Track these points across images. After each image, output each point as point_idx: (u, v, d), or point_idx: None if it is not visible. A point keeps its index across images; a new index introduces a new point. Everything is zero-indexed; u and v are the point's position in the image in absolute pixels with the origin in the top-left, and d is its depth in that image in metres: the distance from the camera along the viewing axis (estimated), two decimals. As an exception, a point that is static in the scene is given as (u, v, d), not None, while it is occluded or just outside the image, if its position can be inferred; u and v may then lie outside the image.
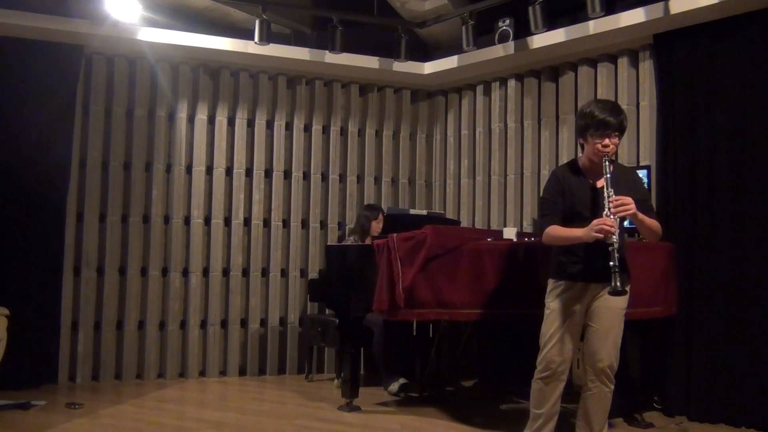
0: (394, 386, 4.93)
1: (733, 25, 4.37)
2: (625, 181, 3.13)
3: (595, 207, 3.08)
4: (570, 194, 3.15)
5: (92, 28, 5.08)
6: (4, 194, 5.03)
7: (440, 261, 3.90)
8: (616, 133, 3.09)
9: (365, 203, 6.03)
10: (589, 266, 3.11)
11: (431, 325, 5.46)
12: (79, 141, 5.46)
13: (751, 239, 4.21)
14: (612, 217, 2.93)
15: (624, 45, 5.03)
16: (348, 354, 4.60)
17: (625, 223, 3.22)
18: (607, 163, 3.04)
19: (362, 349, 4.90)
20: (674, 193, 4.59)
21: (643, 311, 4.10)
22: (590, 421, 3.20)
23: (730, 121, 4.37)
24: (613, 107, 3.15)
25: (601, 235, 2.92)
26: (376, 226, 5.42)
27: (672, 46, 4.68)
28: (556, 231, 3.14)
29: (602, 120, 3.05)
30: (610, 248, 2.90)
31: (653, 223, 3.12)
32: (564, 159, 5.42)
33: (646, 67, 4.93)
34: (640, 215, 3.03)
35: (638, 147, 5.00)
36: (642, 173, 4.55)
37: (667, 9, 4.47)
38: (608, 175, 3.01)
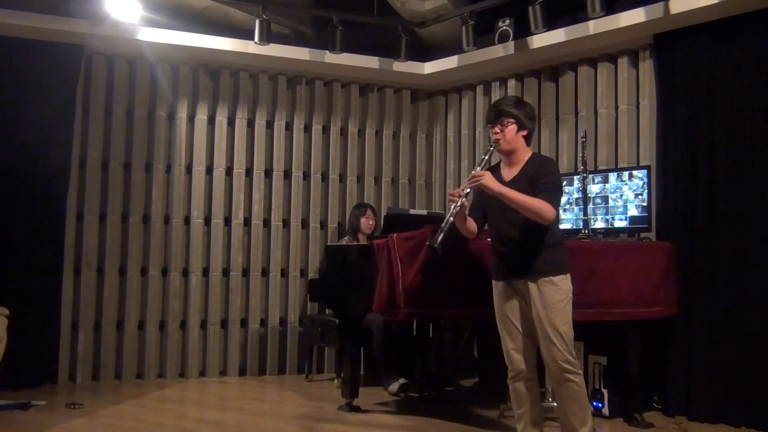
0: (394, 386, 4.93)
1: (733, 25, 4.37)
2: (532, 171, 3.17)
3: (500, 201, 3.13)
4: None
5: (92, 28, 5.08)
6: (4, 194, 5.03)
7: (440, 261, 3.89)
8: (507, 120, 3.20)
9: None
10: (503, 265, 3.23)
11: (431, 325, 5.47)
12: (79, 141, 5.46)
13: (751, 239, 4.21)
14: (463, 189, 3.09)
15: (624, 45, 5.02)
16: (348, 354, 4.59)
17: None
18: (490, 148, 3.21)
19: (362, 349, 4.90)
20: (674, 193, 4.59)
21: (643, 311, 4.11)
22: (570, 421, 3.14)
23: (730, 121, 4.37)
24: (511, 98, 3.42)
25: (451, 203, 3.06)
26: (366, 222, 5.45)
27: (672, 46, 4.68)
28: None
29: (491, 109, 3.31)
30: (451, 210, 3.05)
31: (527, 199, 3.04)
32: (564, 159, 5.42)
33: (646, 67, 4.93)
34: (500, 189, 3.04)
35: (638, 147, 4.99)
36: (642, 173, 4.55)
37: (667, 9, 4.47)
38: (485, 157, 3.19)
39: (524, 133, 3.23)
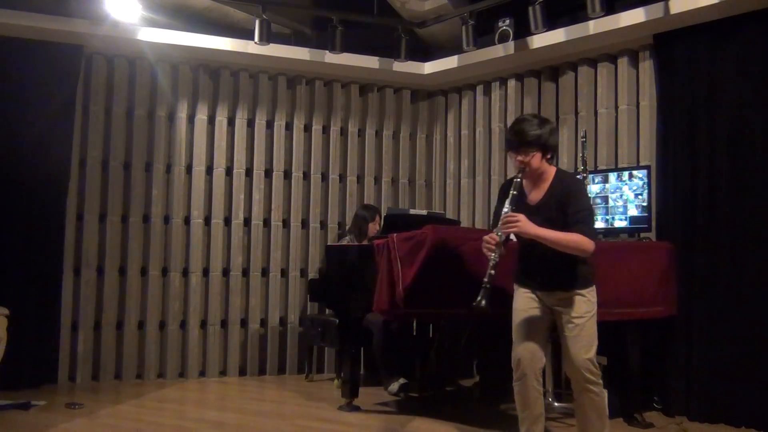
0: (394, 386, 4.92)
1: (733, 25, 4.37)
2: (559, 192, 3.10)
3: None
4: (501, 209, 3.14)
5: (92, 28, 5.07)
6: (4, 194, 5.03)
7: (440, 261, 3.89)
8: (530, 150, 3.07)
9: (363, 203, 6.03)
10: (533, 276, 3.18)
11: (431, 325, 5.47)
12: (79, 141, 5.46)
13: (751, 239, 4.21)
14: (499, 234, 2.97)
15: (624, 45, 5.03)
16: (348, 354, 4.59)
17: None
18: (517, 180, 3.08)
19: (362, 349, 4.90)
20: (674, 193, 4.59)
21: (643, 311, 4.11)
22: (585, 428, 3.18)
23: (730, 121, 4.37)
24: (530, 122, 3.14)
25: (489, 253, 2.96)
26: (373, 228, 5.43)
27: (672, 46, 4.68)
28: None
29: (511, 136, 3.13)
30: (490, 263, 2.94)
31: (565, 237, 2.99)
32: (564, 159, 5.42)
33: (646, 67, 4.93)
34: (537, 231, 2.97)
35: (638, 147, 4.99)
36: (642, 173, 4.56)
37: (667, 9, 4.47)
38: (513, 192, 3.05)
39: (548, 156, 3.16)
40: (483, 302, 2.92)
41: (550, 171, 3.18)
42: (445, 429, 4.16)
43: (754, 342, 4.14)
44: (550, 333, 3.26)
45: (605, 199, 4.67)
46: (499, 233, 2.99)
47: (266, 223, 5.99)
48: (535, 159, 3.09)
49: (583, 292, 3.12)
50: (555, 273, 3.12)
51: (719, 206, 4.37)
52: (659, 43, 4.76)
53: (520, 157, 3.09)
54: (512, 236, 3.03)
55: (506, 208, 3.02)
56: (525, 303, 3.20)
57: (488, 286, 2.93)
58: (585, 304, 3.12)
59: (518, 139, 3.09)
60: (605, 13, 4.56)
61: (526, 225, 2.98)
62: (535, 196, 3.16)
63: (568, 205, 3.05)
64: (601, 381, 3.14)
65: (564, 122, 5.48)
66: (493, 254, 2.96)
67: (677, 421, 4.35)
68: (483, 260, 3.88)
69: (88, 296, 5.42)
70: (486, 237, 3.01)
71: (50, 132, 5.21)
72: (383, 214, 5.57)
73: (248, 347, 5.85)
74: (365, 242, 5.35)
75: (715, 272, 4.34)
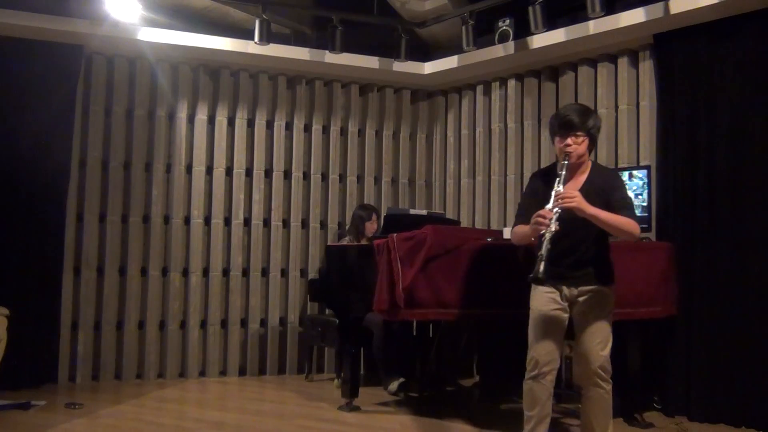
0: (394, 386, 4.92)
1: (733, 25, 4.37)
2: (599, 183, 3.12)
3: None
4: (543, 195, 3.13)
5: (92, 28, 5.08)
6: (4, 194, 5.03)
7: (440, 261, 3.90)
8: (580, 134, 3.09)
9: (363, 203, 6.04)
10: (560, 272, 3.12)
11: (431, 325, 5.47)
12: (79, 141, 5.46)
13: (751, 239, 4.21)
14: (553, 209, 2.96)
15: (624, 45, 5.03)
16: (348, 354, 4.59)
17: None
18: (565, 162, 3.07)
19: (362, 349, 4.90)
20: (674, 193, 4.59)
21: (643, 311, 4.11)
22: (591, 426, 3.19)
23: (730, 121, 4.37)
24: (580, 108, 3.19)
25: (542, 228, 2.94)
26: (370, 227, 5.43)
27: (672, 46, 4.68)
28: (516, 229, 3.25)
29: (564, 119, 3.12)
30: (542, 238, 2.93)
31: (618, 219, 3.02)
32: (564, 159, 5.42)
33: (646, 67, 4.93)
34: (593, 210, 2.97)
35: (638, 147, 5.00)
36: (642, 173, 4.56)
37: (667, 9, 4.47)
38: (562, 172, 3.05)
39: (592, 146, 3.20)
40: (540, 275, 2.89)
41: (588, 163, 3.21)
42: (445, 429, 4.17)
43: (754, 342, 4.14)
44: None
45: (605, 199, 4.67)
46: (555, 209, 2.96)
47: (266, 223, 5.99)
48: (583, 145, 3.12)
49: (607, 289, 3.15)
50: (584, 266, 3.12)
51: (719, 206, 4.37)
52: (659, 43, 4.77)
53: (570, 140, 3.09)
54: (552, 226, 2.94)
55: (558, 187, 3.00)
56: (545, 303, 3.17)
57: (543, 255, 2.89)
58: (608, 300, 3.15)
59: (573, 123, 3.10)
60: (605, 13, 4.56)
61: (582, 202, 2.97)
62: (572, 186, 3.13)
63: (611, 194, 3.08)
64: (611, 380, 3.17)
65: (564, 122, 5.47)
66: (548, 230, 2.92)
67: (677, 421, 4.35)
68: (483, 260, 3.91)
69: (88, 296, 5.42)
70: (540, 212, 2.98)
71: (50, 132, 5.21)
72: (383, 214, 5.57)
73: (248, 347, 5.85)
74: (363, 241, 5.36)
75: (715, 272, 4.34)
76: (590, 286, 3.13)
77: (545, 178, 3.23)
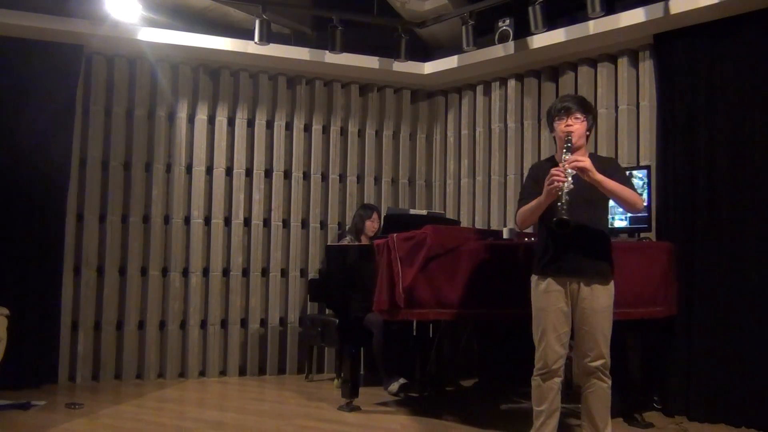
0: (394, 386, 4.93)
1: (733, 25, 4.37)
2: (600, 168, 3.14)
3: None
4: (544, 182, 3.15)
5: (92, 28, 5.08)
6: (4, 194, 5.03)
7: (440, 261, 3.90)
8: (579, 116, 3.19)
9: (364, 203, 6.04)
10: (558, 260, 3.17)
11: (431, 325, 5.47)
12: (79, 141, 5.46)
13: (751, 239, 4.21)
14: (567, 169, 3.01)
15: (624, 45, 5.03)
16: (348, 354, 4.60)
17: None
18: (568, 145, 3.13)
19: (362, 349, 4.90)
20: (674, 193, 4.59)
21: (643, 311, 4.11)
22: (593, 419, 3.22)
23: (730, 121, 4.37)
24: (578, 95, 3.35)
25: (557, 185, 2.97)
26: (371, 225, 5.44)
27: (672, 46, 4.68)
28: (522, 209, 3.28)
29: (564, 102, 3.25)
30: (560, 192, 2.97)
31: (622, 188, 3.11)
32: (564, 159, 5.42)
33: (646, 67, 4.93)
34: (600, 176, 3.05)
35: (638, 147, 5.00)
36: (642, 173, 4.55)
37: (667, 9, 4.47)
38: (568, 145, 3.13)
39: (588, 133, 3.28)
40: (566, 216, 2.92)
41: (585, 152, 3.25)
42: (445, 429, 4.17)
43: (754, 342, 4.14)
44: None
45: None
46: (568, 169, 3.01)
47: (266, 223, 5.99)
48: (582, 126, 3.20)
49: (610, 285, 3.20)
50: (589, 258, 3.15)
51: (719, 206, 4.36)
52: (659, 43, 4.77)
53: (570, 121, 3.18)
54: (569, 178, 2.98)
55: (566, 156, 3.06)
56: (551, 297, 3.19)
57: (564, 202, 2.93)
58: (610, 295, 3.19)
59: (573, 103, 3.21)
60: (605, 13, 4.56)
61: (591, 164, 3.05)
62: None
63: (612, 176, 3.14)
64: (610, 377, 3.21)
65: (564, 122, 5.47)
66: (566, 182, 2.97)
67: (677, 421, 4.35)
68: (483, 260, 3.91)
69: (88, 296, 5.42)
70: (553, 170, 3.04)
71: (50, 132, 5.21)
72: (383, 214, 5.58)
73: (248, 347, 5.85)
74: (363, 241, 5.37)
75: (715, 272, 4.34)
76: (592, 281, 3.15)
77: (546, 165, 3.29)
